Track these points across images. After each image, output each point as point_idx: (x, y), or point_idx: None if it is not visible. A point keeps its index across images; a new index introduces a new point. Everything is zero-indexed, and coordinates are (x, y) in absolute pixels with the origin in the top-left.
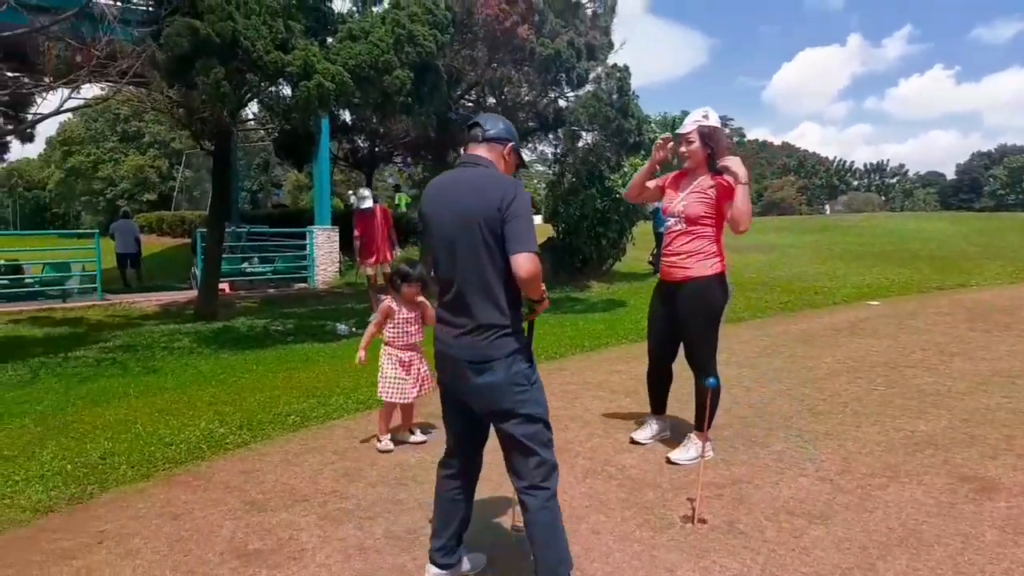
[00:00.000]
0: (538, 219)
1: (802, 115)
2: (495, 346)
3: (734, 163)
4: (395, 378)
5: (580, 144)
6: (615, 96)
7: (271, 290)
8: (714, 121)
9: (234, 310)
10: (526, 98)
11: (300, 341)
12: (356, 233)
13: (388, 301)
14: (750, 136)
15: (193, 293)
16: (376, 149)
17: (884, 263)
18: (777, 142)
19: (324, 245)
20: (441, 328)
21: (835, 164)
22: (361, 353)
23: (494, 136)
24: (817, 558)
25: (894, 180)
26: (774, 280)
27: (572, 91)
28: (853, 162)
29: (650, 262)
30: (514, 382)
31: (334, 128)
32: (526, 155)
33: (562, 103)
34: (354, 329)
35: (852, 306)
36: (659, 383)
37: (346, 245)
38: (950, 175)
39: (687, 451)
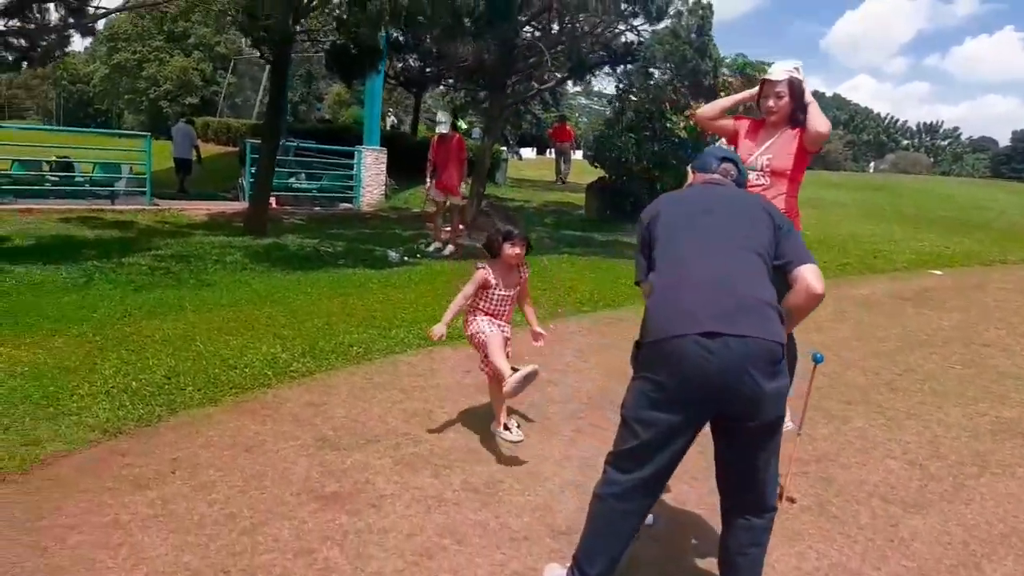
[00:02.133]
0: (579, 154)
1: (859, 67)
2: (783, 347)
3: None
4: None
5: (651, 82)
6: (694, 35)
7: (316, 208)
8: (803, 75)
9: (282, 226)
10: (597, 29)
11: (351, 265)
12: (430, 157)
13: (484, 272)
14: None
15: (240, 205)
16: (427, 70)
17: (941, 230)
18: (829, 93)
19: (372, 166)
20: (694, 324)
21: (886, 120)
22: (442, 328)
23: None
24: (918, 552)
25: (946, 143)
26: (829, 238)
27: (649, 24)
28: (906, 121)
29: None
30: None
31: (388, 46)
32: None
33: (631, 36)
34: (405, 258)
35: (914, 273)
36: None
37: (392, 167)
38: (1003, 142)
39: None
